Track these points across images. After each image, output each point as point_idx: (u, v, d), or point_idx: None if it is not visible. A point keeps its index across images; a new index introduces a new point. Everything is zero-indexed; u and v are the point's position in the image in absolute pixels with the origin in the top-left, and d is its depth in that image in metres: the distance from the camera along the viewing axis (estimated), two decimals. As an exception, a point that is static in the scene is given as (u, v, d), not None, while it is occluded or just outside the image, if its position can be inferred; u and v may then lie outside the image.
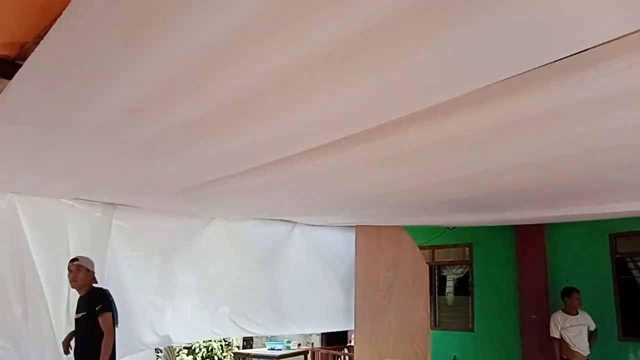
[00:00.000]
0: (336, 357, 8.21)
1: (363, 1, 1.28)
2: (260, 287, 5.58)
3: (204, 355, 10.30)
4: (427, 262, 5.78)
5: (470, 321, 7.08)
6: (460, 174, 3.16)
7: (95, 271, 3.94)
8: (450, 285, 7.62)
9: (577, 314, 5.39)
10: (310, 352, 8.43)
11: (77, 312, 3.83)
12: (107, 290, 3.92)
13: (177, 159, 2.84)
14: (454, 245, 7.43)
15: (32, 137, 2.49)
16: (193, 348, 10.18)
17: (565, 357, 5.38)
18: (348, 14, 1.33)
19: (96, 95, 1.94)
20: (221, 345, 10.43)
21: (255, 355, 8.00)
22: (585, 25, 1.37)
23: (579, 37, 1.44)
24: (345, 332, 8.54)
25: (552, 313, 5.59)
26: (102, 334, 3.63)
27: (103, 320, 3.66)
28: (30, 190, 3.91)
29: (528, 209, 4.38)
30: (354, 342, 6.00)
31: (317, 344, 9.26)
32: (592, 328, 5.41)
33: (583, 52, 1.53)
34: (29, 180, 3.55)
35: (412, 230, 5.90)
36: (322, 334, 9.27)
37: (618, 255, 5.99)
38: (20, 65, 1.75)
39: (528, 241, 6.51)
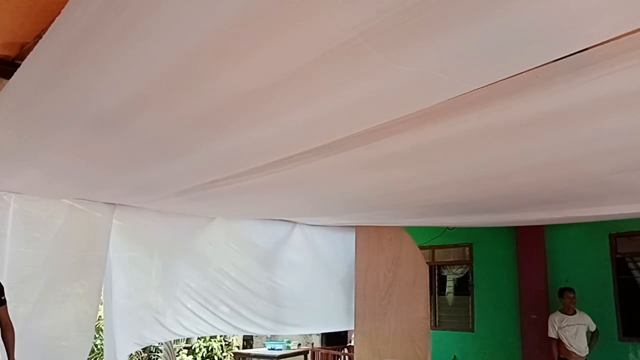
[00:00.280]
0: (336, 357, 8.21)
1: (364, 1, 1.28)
2: (260, 287, 5.58)
3: (204, 355, 10.29)
4: (427, 262, 5.79)
5: (470, 321, 7.08)
6: (461, 176, 3.16)
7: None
8: (450, 285, 7.62)
9: (574, 313, 5.39)
10: (310, 352, 8.42)
11: None
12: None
13: (178, 159, 2.84)
14: (454, 245, 7.43)
15: (32, 136, 2.49)
16: (193, 348, 10.17)
17: (562, 357, 5.39)
18: (349, 14, 1.33)
19: (95, 95, 1.94)
20: (221, 346, 10.42)
21: (255, 355, 7.99)
22: (588, 23, 1.37)
23: (582, 35, 1.44)
24: (345, 332, 8.54)
25: (551, 313, 5.61)
26: None
27: (3, 311, 3.51)
28: (31, 190, 3.91)
29: (528, 210, 4.38)
30: (354, 342, 6.00)
31: (317, 344, 9.26)
32: (593, 329, 5.41)
33: (583, 52, 1.53)
34: (29, 180, 3.55)
35: (412, 230, 5.90)
36: (322, 333, 9.27)
37: (618, 255, 5.99)
38: (20, 66, 1.75)
39: (528, 241, 6.50)
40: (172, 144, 2.56)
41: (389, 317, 5.46)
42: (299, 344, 8.81)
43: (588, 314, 5.45)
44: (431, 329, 5.85)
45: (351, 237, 5.98)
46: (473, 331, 7.03)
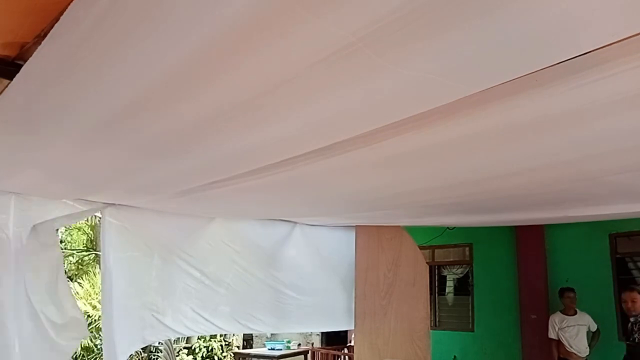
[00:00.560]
0: (336, 357, 8.22)
1: (365, 2, 1.28)
2: (260, 287, 5.58)
3: (204, 355, 10.30)
4: (427, 262, 5.79)
5: (470, 321, 7.08)
6: (461, 177, 3.16)
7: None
8: (450, 285, 7.62)
9: (574, 314, 5.39)
10: (310, 352, 8.43)
11: None
12: None
13: (178, 161, 2.84)
14: (454, 245, 7.44)
15: (33, 137, 2.49)
16: (193, 348, 10.18)
17: (562, 357, 5.39)
18: (348, 19, 1.33)
19: (97, 95, 1.94)
20: (221, 346, 10.43)
21: (255, 355, 8.00)
22: (591, 27, 1.37)
23: (583, 39, 1.44)
24: (345, 332, 8.55)
25: (551, 313, 5.61)
26: None
27: None
28: (31, 191, 3.91)
29: (529, 211, 4.38)
30: (354, 342, 6.01)
31: (317, 344, 9.27)
32: (593, 328, 5.41)
33: (584, 55, 1.53)
34: (29, 181, 3.55)
35: (412, 230, 5.90)
36: (322, 333, 9.28)
37: (618, 255, 5.99)
38: (21, 65, 1.74)
39: (528, 241, 6.51)
40: (172, 146, 2.56)
41: (389, 317, 5.46)
42: (299, 344, 8.82)
43: (588, 314, 5.45)
44: (431, 329, 5.85)
45: (351, 237, 5.98)
46: (473, 331, 7.03)
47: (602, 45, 1.48)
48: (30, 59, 1.67)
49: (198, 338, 9.97)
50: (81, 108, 2.09)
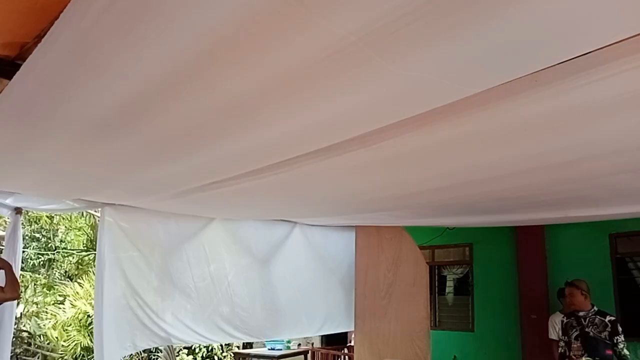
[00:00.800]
0: (336, 357, 8.22)
1: (363, 6, 1.28)
2: (260, 287, 5.58)
3: (204, 355, 10.30)
4: (427, 262, 5.78)
5: (470, 321, 7.08)
6: (461, 178, 3.16)
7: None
8: (450, 285, 7.62)
9: (575, 314, 5.38)
10: (310, 352, 8.43)
11: None
12: None
13: (178, 162, 2.84)
14: (454, 245, 7.44)
15: (33, 137, 2.48)
16: (193, 348, 10.18)
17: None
18: (349, 19, 1.33)
19: (97, 95, 1.94)
20: (221, 345, 10.43)
21: (256, 355, 8.00)
22: (591, 27, 1.36)
23: (583, 39, 1.44)
24: (345, 332, 8.54)
25: (551, 314, 5.60)
26: None
27: None
28: (31, 191, 3.91)
29: (529, 211, 4.38)
30: (354, 342, 6.00)
31: (317, 344, 9.26)
32: (593, 328, 5.40)
33: (584, 56, 1.53)
34: (29, 181, 3.55)
35: (412, 230, 5.90)
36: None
37: (618, 255, 5.99)
38: (20, 65, 1.74)
39: (528, 241, 6.51)
40: (172, 146, 2.56)
41: (389, 317, 5.45)
42: (299, 344, 8.81)
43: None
44: (431, 329, 5.85)
45: (351, 237, 5.98)
46: (473, 331, 7.03)
47: (602, 46, 1.48)
48: (28, 59, 1.66)
49: (198, 338, 9.96)
50: (80, 108, 2.09)
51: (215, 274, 5.29)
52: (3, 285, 3.43)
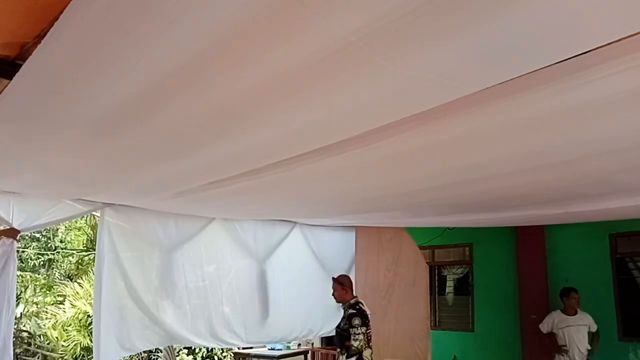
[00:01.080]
0: (336, 357, 8.20)
1: (364, 4, 1.28)
2: (260, 287, 5.58)
3: (204, 355, 10.30)
4: (427, 262, 5.78)
5: (470, 321, 7.08)
6: (461, 177, 3.16)
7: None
8: (450, 285, 7.61)
9: (575, 314, 5.37)
10: (310, 352, 8.42)
11: None
12: None
13: (178, 162, 2.84)
14: (454, 245, 7.43)
15: (32, 137, 2.48)
16: (193, 348, 10.18)
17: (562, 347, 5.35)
18: (351, 15, 1.33)
19: (96, 96, 1.94)
20: (221, 345, 10.43)
21: (255, 355, 7.99)
22: (591, 26, 1.37)
23: (583, 38, 1.44)
24: (345, 332, 8.52)
25: (552, 312, 5.59)
26: None
27: None
28: (31, 191, 3.91)
29: (529, 208, 4.38)
30: (354, 342, 5.99)
31: (317, 344, 9.26)
32: (593, 329, 5.38)
33: (584, 54, 1.53)
34: (29, 181, 3.54)
35: (412, 230, 5.90)
36: (322, 333, 9.26)
37: (618, 255, 5.99)
38: (20, 65, 1.74)
39: (528, 241, 6.50)
40: (172, 147, 2.56)
41: (389, 317, 5.45)
42: (299, 344, 8.81)
43: (589, 315, 5.44)
44: (431, 329, 5.86)
45: (351, 237, 5.98)
46: (473, 331, 7.03)
47: (601, 45, 1.48)
48: (29, 59, 1.66)
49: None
50: (80, 109, 2.09)
51: (214, 274, 5.29)
52: None
